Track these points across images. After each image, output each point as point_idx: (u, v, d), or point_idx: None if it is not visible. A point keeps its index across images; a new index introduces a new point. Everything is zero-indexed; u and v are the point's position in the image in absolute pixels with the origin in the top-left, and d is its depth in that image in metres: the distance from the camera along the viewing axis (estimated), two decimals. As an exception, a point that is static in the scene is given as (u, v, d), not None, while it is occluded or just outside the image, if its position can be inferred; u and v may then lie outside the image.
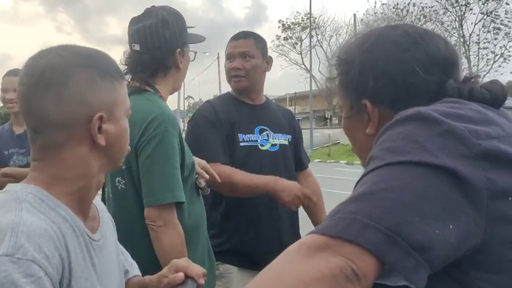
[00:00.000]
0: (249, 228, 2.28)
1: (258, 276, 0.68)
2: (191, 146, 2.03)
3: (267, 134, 2.38)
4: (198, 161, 1.95)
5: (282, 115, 2.53)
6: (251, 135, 2.34)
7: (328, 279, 0.63)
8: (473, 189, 0.70)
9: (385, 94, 0.91)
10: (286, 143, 2.43)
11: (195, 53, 2.01)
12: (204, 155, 2.11)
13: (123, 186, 1.77)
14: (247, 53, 2.34)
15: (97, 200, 1.12)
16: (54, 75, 0.94)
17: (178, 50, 1.87)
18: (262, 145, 2.35)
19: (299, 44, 40.79)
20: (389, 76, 0.90)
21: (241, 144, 2.30)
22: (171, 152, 1.70)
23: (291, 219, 2.38)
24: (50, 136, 0.95)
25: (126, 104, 1.04)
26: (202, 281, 1.09)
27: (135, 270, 1.27)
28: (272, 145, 2.37)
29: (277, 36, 42.64)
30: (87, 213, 1.02)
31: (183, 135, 1.91)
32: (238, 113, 2.36)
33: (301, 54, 40.34)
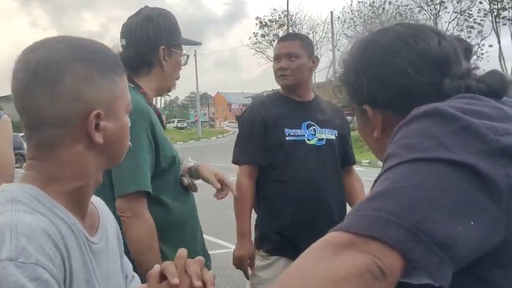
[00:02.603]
0: (298, 221, 2.42)
1: (282, 276, 0.67)
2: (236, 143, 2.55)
3: (313, 129, 2.50)
4: (215, 171, 1.98)
5: (331, 111, 2.62)
6: (298, 130, 2.48)
7: (355, 277, 0.62)
8: (495, 187, 0.69)
9: (381, 98, 0.92)
10: (334, 137, 2.54)
11: (188, 56, 2.03)
12: (236, 156, 2.56)
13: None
14: (293, 54, 2.50)
15: (97, 200, 1.09)
16: (48, 71, 0.89)
17: (162, 47, 1.88)
18: (309, 139, 2.48)
19: (276, 41, 40.75)
20: (382, 79, 0.91)
21: (287, 138, 2.45)
22: (137, 142, 1.67)
23: (340, 212, 2.51)
24: (45, 134, 0.91)
25: (127, 99, 1.00)
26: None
27: (136, 283, 1.20)
28: (319, 140, 2.50)
29: (254, 33, 42.58)
30: (84, 213, 0.98)
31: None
32: (285, 109, 2.51)
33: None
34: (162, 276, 0.89)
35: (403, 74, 0.89)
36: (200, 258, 0.92)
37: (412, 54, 0.89)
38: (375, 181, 0.75)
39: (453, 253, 0.65)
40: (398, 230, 0.64)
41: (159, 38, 1.88)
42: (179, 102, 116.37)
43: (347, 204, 2.62)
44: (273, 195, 2.47)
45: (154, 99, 2.02)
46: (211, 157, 22.20)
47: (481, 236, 0.68)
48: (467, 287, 0.74)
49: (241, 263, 2.48)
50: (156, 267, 0.90)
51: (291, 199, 2.42)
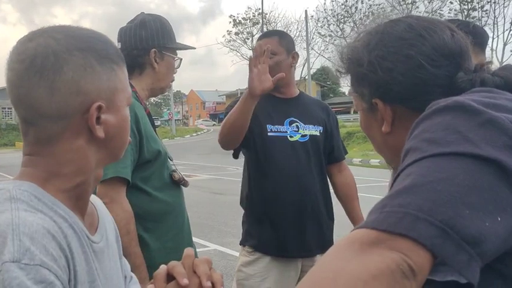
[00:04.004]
0: (282, 218, 2.43)
1: (310, 275, 0.64)
2: None
3: (296, 125, 2.50)
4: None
5: (317, 108, 2.64)
6: (280, 126, 2.48)
7: (386, 275, 0.60)
8: None
9: (395, 91, 0.90)
10: (318, 134, 2.54)
11: (181, 60, 2.12)
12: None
13: None
14: (270, 51, 2.46)
15: (95, 199, 1.05)
16: (46, 61, 0.85)
17: (154, 50, 1.99)
18: (291, 136, 2.48)
19: (250, 39, 40.87)
20: (397, 73, 0.89)
21: (269, 134, 2.45)
22: None
23: (326, 207, 2.54)
24: (43, 128, 0.87)
25: (127, 91, 0.96)
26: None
27: (134, 284, 1.16)
28: (302, 136, 2.50)
29: (228, 31, 42.53)
30: (84, 211, 0.94)
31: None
32: (267, 107, 2.50)
33: (252, 49, 40.39)
34: (169, 277, 0.85)
35: (418, 67, 0.88)
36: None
37: (426, 46, 0.88)
38: (396, 177, 0.73)
39: (481, 249, 0.64)
40: (427, 227, 0.62)
41: (151, 41, 1.99)
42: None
43: (333, 201, 2.63)
44: (256, 191, 2.48)
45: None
46: (186, 155, 22.14)
47: (506, 232, 0.67)
48: (488, 283, 0.72)
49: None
50: (163, 267, 0.86)
51: (273, 195, 2.42)
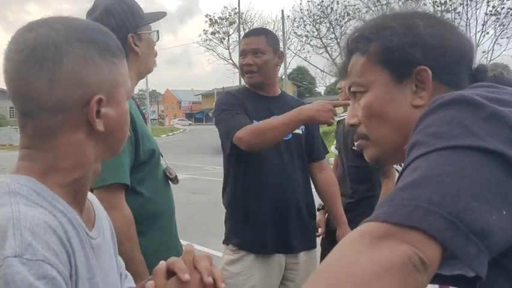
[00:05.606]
0: (266, 216, 2.43)
1: (321, 270, 0.63)
2: (221, 126, 2.43)
3: None
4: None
5: (297, 106, 2.62)
6: None
7: (398, 268, 0.60)
8: None
9: (444, 61, 0.91)
10: (300, 132, 2.54)
11: (158, 31, 1.96)
12: (232, 127, 2.34)
13: None
14: (259, 50, 2.48)
15: (90, 195, 1.03)
16: (46, 52, 0.83)
17: (130, 34, 1.84)
18: None
19: (226, 39, 40.82)
20: (448, 43, 0.92)
21: None
22: None
23: (307, 205, 2.55)
24: (42, 121, 0.85)
25: (128, 84, 0.95)
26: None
27: (129, 282, 1.14)
28: None
29: (204, 30, 42.34)
30: (82, 206, 0.92)
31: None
32: (252, 104, 2.49)
33: (228, 49, 40.43)
34: (168, 273, 0.85)
35: (463, 48, 0.93)
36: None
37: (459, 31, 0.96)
38: (402, 171, 0.73)
39: (489, 242, 0.64)
40: (438, 219, 0.63)
41: (124, 27, 1.83)
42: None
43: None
44: (239, 189, 2.48)
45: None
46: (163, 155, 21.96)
47: (511, 226, 0.67)
48: (493, 278, 0.72)
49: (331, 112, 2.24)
50: (162, 264, 0.86)
51: (257, 193, 2.43)
